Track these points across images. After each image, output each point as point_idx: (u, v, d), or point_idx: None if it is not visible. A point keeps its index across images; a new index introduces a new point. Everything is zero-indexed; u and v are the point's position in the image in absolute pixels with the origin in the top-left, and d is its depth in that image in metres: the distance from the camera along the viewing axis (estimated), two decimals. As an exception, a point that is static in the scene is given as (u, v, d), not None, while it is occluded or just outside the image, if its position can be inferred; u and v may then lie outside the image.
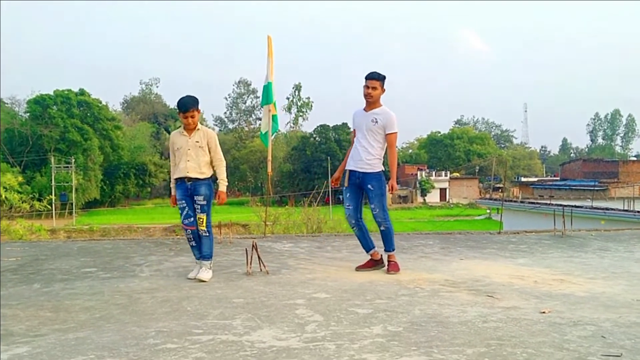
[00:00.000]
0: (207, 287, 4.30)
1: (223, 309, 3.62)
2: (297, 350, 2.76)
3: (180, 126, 4.75)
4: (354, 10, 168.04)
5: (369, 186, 4.88)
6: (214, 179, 4.79)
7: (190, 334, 3.05)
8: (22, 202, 14.52)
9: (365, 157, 4.87)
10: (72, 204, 47.31)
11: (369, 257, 5.06)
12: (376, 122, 4.84)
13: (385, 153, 4.98)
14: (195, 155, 4.60)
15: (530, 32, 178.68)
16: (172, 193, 4.78)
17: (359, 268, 4.99)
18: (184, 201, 4.62)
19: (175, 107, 4.80)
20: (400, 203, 61.51)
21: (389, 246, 4.98)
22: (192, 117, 4.55)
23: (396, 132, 4.90)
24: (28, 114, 55.31)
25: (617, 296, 4.01)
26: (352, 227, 5.09)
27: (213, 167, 4.73)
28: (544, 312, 3.50)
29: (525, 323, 3.26)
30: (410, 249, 6.44)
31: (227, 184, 4.85)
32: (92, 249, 6.53)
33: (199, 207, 4.63)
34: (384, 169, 4.97)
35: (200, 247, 4.68)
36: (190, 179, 4.58)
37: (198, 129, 4.63)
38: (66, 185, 48.00)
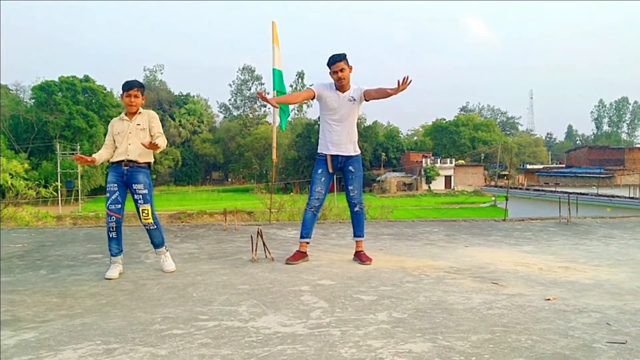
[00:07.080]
0: (213, 274, 4.31)
1: (228, 295, 3.63)
2: (302, 336, 2.77)
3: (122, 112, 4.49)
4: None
5: (351, 168, 4.80)
6: (151, 167, 4.51)
7: (196, 320, 3.07)
8: (28, 189, 14.54)
9: (349, 141, 4.78)
10: (77, 190, 47.55)
11: (298, 249, 4.84)
12: (353, 100, 4.72)
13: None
14: (137, 139, 4.33)
15: (535, 19, 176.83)
16: (91, 157, 4.28)
17: (289, 260, 4.72)
18: (115, 185, 4.32)
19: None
20: (405, 190, 61.48)
21: (360, 230, 4.86)
22: (136, 96, 4.33)
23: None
24: (33, 101, 55.39)
25: (622, 283, 4.01)
26: (312, 210, 4.78)
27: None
28: (549, 300, 3.50)
29: (530, 310, 3.26)
30: (415, 236, 6.44)
31: (161, 148, 4.34)
32: (98, 235, 6.57)
33: (140, 197, 4.33)
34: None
35: (151, 239, 4.47)
36: (128, 162, 4.31)
37: (140, 112, 4.41)
38: (72, 172, 48.20)
